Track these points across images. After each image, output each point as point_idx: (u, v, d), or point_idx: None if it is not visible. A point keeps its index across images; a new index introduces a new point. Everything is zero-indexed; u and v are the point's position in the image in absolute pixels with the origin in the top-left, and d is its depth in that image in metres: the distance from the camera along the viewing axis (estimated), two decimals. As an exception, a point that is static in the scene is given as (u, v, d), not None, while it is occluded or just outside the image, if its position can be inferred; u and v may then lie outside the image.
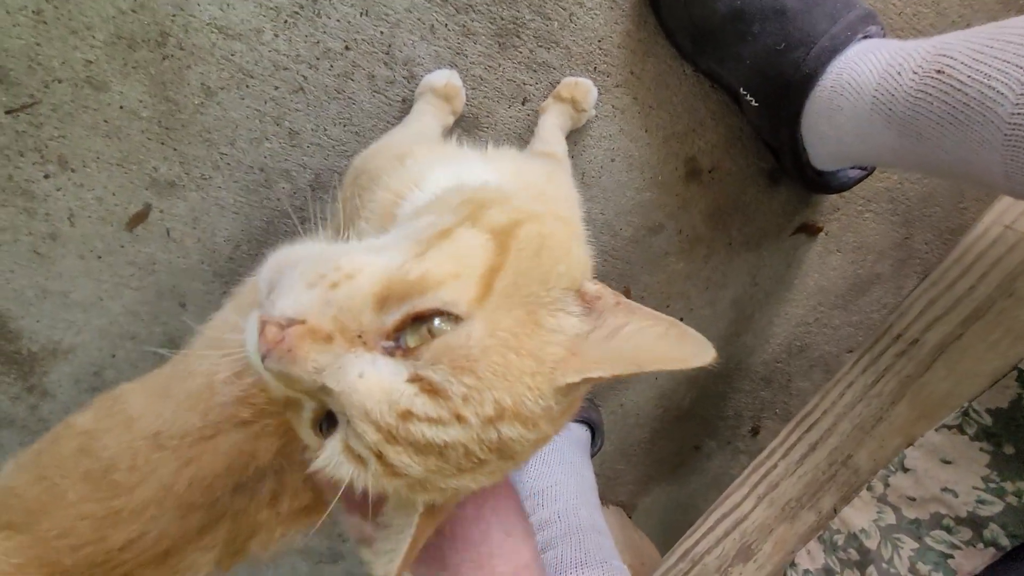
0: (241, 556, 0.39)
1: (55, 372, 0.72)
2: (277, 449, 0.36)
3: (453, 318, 0.25)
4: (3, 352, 0.71)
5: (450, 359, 0.24)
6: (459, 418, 0.24)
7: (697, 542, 0.70)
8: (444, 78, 0.60)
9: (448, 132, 0.61)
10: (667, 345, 0.26)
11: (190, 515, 0.36)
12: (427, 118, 0.58)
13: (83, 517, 0.36)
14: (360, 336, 0.24)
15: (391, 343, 0.25)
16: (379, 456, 0.24)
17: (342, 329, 0.24)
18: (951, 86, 0.44)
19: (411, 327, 0.25)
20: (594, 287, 0.29)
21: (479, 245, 0.26)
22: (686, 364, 0.26)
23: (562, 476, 0.66)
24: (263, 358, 0.24)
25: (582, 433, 0.78)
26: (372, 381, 0.24)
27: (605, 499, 0.98)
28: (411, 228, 0.28)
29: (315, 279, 0.25)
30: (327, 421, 0.26)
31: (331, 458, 0.25)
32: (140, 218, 0.66)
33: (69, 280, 0.67)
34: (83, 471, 0.37)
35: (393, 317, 0.25)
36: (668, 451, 0.96)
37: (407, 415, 0.24)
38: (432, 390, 0.24)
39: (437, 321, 0.24)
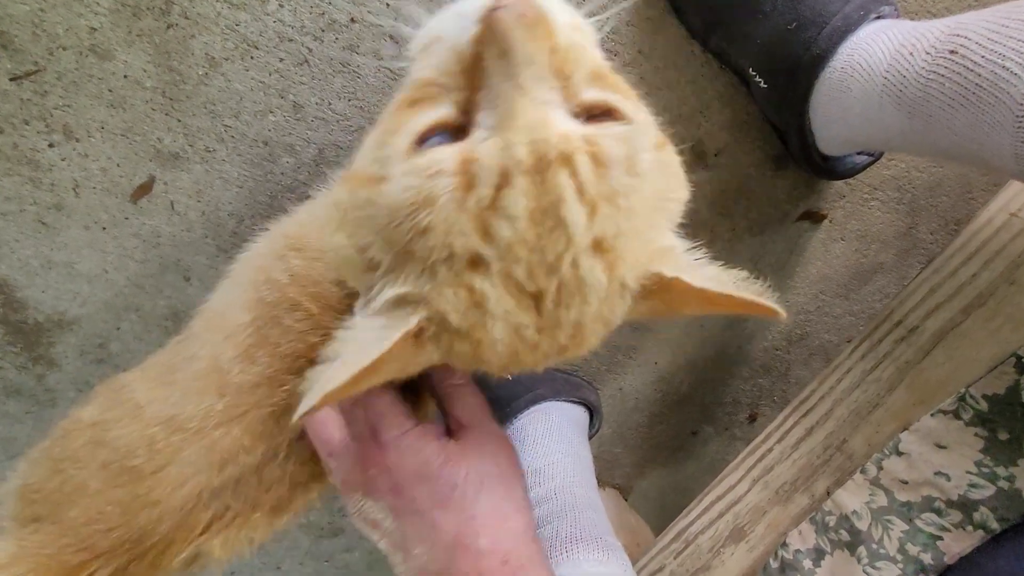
0: (272, 525, 0.40)
1: (61, 343, 0.73)
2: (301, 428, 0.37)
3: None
4: (9, 322, 0.72)
5: (626, 149, 0.24)
6: (593, 209, 0.23)
7: (691, 523, 0.71)
8: None
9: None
10: (749, 285, 0.28)
11: (222, 491, 0.37)
12: None
13: (110, 503, 0.37)
14: (565, 78, 0.24)
15: (575, 109, 0.25)
16: (499, 183, 0.22)
17: (563, 58, 0.24)
18: (964, 67, 0.44)
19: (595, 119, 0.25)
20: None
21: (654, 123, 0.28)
22: (768, 305, 0.28)
23: (560, 456, 0.67)
24: (496, 6, 0.23)
25: (580, 414, 0.79)
26: (552, 113, 0.23)
27: (602, 481, 0.99)
28: None
29: (570, 7, 0.26)
30: (440, 137, 0.25)
31: (438, 162, 0.23)
32: (144, 190, 0.66)
33: (74, 251, 0.68)
34: (100, 462, 0.37)
35: (593, 94, 0.25)
36: (665, 435, 0.97)
37: (565, 160, 0.23)
38: (598, 159, 0.23)
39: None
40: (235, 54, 0.59)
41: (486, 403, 0.36)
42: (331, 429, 0.35)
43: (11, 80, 0.58)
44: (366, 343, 0.24)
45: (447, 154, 0.23)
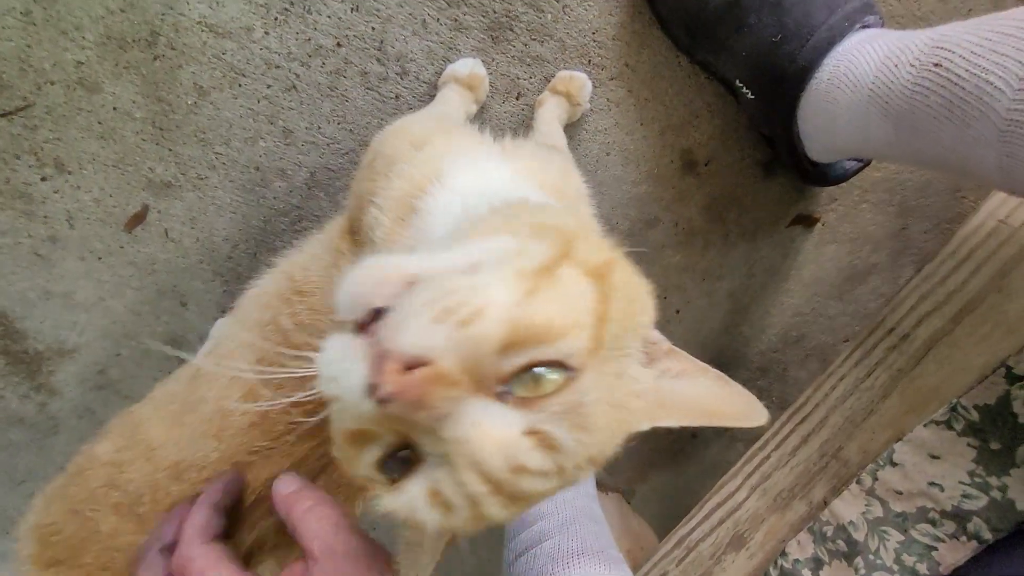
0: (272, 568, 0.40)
1: (61, 371, 0.74)
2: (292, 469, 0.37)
3: (564, 367, 0.23)
4: (10, 352, 0.72)
5: (571, 416, 0.23)
6: (561, 471, 0.24)
7: (692, 530, 0.71)
8: (468, 67, 0.60)
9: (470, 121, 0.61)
10: (724, 399, 0.28)
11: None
12: (452, 105, 0.58)
13: (118, 550, 0.37)
14: (480, 379, 0.23)
15: (503, 388, 0.23)
16: (472, 503, 0.23)
17: (468, 371, 0.22)
18: (948, 80, 0.44)
19: (520, 373, 0.23)
20: (655, 333, 0.28)
21: (585, 291, 0.25)
22: (743, 423, 0.27)
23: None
24: (381, 399, 0.21)
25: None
26: (487, 430, 0.22)
27: (604, 486, 1.00)
28: (495, 249, 0.26)
29: (442, 314, 0.22)
30: (395, 461, 0.25)
31: (411, 502, 0.24)
32: (138, 219, 0.66)
33: (71, 281, 0.68)
34: (112, 504, 0.37)
35: (514, 363, 0.23)
36: (666, 440, 0.98)
37: (520, 469, 0.23)
38: (548, 445, 0.23)
39: (544, 368, 0.23)
40: (223, 82, 0.60)
41: (340, 518, 0.33)
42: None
43: (1, 116, 0.58)
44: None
45: (416, 494, 0.24)
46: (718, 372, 0.28)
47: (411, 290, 0.23)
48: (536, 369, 0.23)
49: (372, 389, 0.21)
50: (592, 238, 0.28)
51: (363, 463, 0.25)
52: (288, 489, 0.34)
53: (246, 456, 0.36)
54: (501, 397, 0.23)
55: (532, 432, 0.23)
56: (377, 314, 0.22)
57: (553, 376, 0.23)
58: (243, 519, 0.37)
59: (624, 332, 0.26)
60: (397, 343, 0.21)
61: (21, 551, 0.41)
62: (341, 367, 0.23)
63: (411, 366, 0.21)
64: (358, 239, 0.39)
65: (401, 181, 0.35)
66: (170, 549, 0.34)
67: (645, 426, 0.26)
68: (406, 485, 0.24)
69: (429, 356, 0.21)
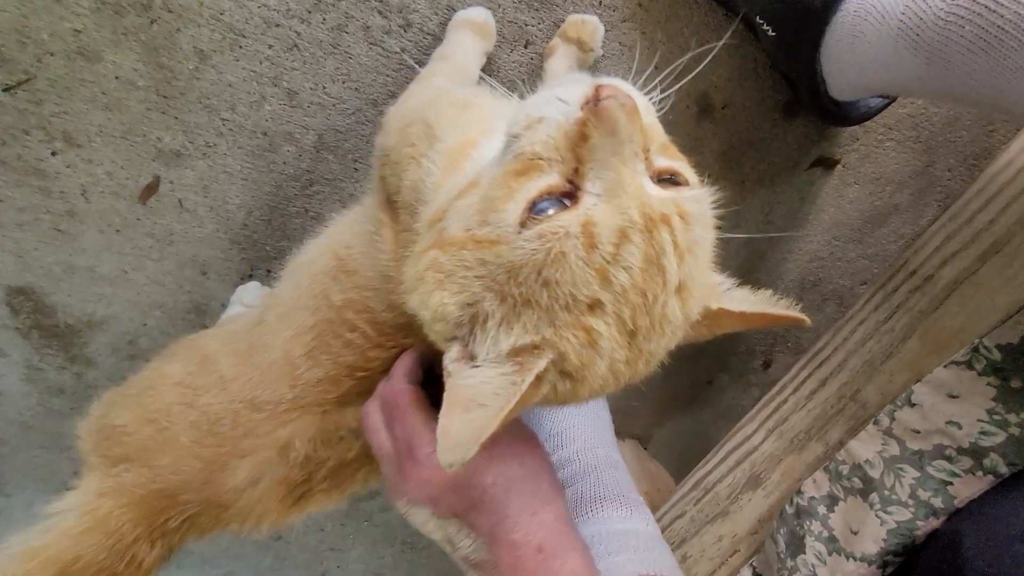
0: (330, 500, 0.46)
1: (93, 343, 0.76)
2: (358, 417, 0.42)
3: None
4: (42, 326, 0.74)
5: (700, 208, 0.30)
6: (681, 258, 0.28)
7: (709, 472, 0.74)
8: (483, 15, 0.58)
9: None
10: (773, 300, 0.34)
11: (286, 467, 0.42)
12: (467, 50, 0.56)
13: (195, 457, 0.42)
14: (646, 151, 0.29)
15: (651, 175, 0.29)
16: (618, 241, 0.27)
17: (646, 135, 0.29)
18: (986, 7, 0.41)
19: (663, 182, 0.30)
20: None
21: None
22: (796, 315, 0.34)
23: (578, 418, 0.70)
24: (599, 98, 0.27)
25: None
26: (645, 182, 0.28)
27: (621, 433, 1.03)
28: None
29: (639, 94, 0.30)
30: (548, 202, 0.28)
31: (563, 227, 0.27)
32: (151, 190, 0.66)
33: (93, 255, 0.69)
34: (191, 421, 0.43)
35: (663, 162, 0.30)
36: (682, 387, 0.99)
37: (666, 220, 0.28)
38: (684, 218, 0.29)
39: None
40: (223, 45, 0.58)
41: None
42: (381, 438, 0.39)
43: (4, 91, 0.58)
44: (501, 388, 0.28)
45: (569, 220, 0.27)
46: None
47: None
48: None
49: (595, 90, 0.27)
50: None
51: (521, 197, 0.28)
52: None
53: (318, 406, 0.41)
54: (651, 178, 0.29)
55: (676, 203, 0.29)
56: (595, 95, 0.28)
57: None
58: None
59: (713, 234, 0.32)
60: (619, 87, 0.28)
61: (84, 446, 0.46)
62: (566, 91, 0.29)
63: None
64: (396, 205, 0.41)
65: (457, 134, 0.38)
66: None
67: (714, 305, 0.31)
68: (564, 215, 0.28)
69: (633, 99, 0.28)
